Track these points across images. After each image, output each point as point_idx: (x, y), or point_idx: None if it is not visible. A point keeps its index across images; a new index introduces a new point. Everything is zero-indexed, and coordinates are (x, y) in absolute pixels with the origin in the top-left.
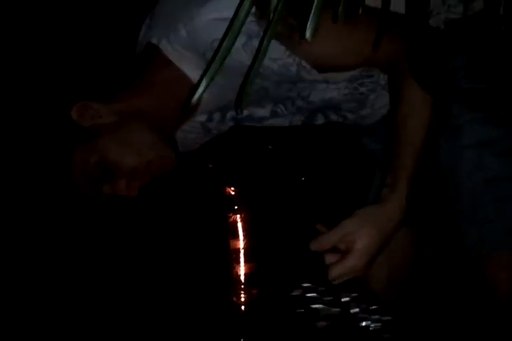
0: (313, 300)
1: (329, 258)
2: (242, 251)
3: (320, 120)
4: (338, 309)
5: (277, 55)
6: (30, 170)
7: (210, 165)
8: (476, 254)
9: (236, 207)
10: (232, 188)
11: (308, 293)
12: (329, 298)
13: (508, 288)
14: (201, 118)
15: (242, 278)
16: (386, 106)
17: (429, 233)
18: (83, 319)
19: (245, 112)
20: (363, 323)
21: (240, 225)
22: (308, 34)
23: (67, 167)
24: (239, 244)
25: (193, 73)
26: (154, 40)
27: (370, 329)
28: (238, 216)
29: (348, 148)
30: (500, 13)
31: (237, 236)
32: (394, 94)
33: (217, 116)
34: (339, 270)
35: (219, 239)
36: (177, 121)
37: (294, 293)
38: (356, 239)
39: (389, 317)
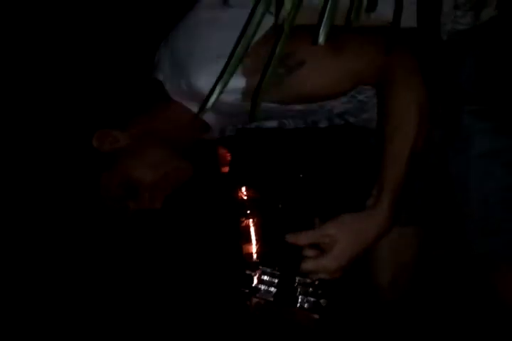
0: (262, 282)
1: (307, 252)
2: (254, 256)
3: (323, 124)
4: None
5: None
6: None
7: (223, 170)
8: (484, 264)
9: (248, 212)
10: (245, 192)
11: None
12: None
13: None
14: (214, 134)
15: (255, 282)
16: None
17: (437, 235)
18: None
19: (255, 124)
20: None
21: (252, 230)
22: (321, 39)
23: (95, 191)
24: (252, 249)
25: (195, 109)
26: (160, 78)
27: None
28: (251, 220)
29: (351, 147)
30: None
31: (249, 241)
32: (381, 106)
33: (228, 128)
34: (312, 265)
35: (231, 243)
36: (189, 137)
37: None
38: (334, 243)
39: (325, 301)
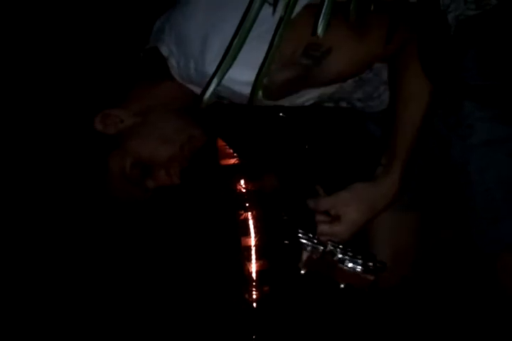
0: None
1: (319, 217)
2: (253, 249)
3: (329, 105)
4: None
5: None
6: (62, 181)
7: (222, 163)
8: (487, 254)
9: (247, 205)
10: (244, 185)
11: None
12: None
13: None
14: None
15: (254, 275)
16: None
17: (438, 221)
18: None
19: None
20: (347, 263)
21: (251, 223)
22: (320, 30)
23: (104, 178)
24: (250, 242)
25: (199, 90)
26: (164, 53)
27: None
28: (249, 213)
29: (353, 127)
30: None
31: (248, 234)
32: (394, 79)
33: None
34: (325, 229)
35: (230, 236)
36: (189, 105)
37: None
38: (346, 212)
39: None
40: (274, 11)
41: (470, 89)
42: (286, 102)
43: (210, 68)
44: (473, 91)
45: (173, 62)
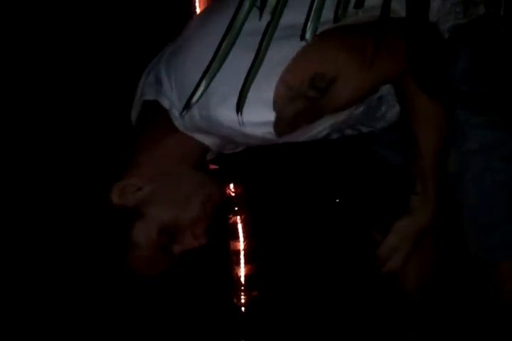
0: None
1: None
2: (242, 253)
3: (335, 136)
4: None
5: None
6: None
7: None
8: (483, 262)
9: (236, 209)
10: (233, 189)
11: None
12: None
13: None
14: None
15: (243, 279)
16: (397, 114)
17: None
18: (83, 320)
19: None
20: None
21: (240, 226)
22: (308, 35)
23: (132, 254)
24: (239, 246)
25: (206, 140)
26: (166, 105)
27: None
28: (238, 217)
29: (371, 162)
30: (500, 14)
31: (237, 238)
32: (406, 102)
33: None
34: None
35: (219, 240)
36: (197, 160)
37: None
38: (396, 254)
39: None
40: (261, 15)
41: (463, 95)
42: (299, 137)
43: (216, 111)
44: (467, 97)
45: (175, 113)
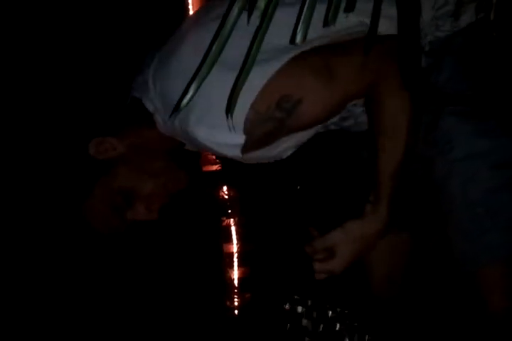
0: (302, 315)
1: (317, 256)
2: (235, 255)
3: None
4: (323, 325)
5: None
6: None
7: (205, 169)
8: (467, 269)
9: (229, 211)
10: (226, 192)
11: (297, 306)
12: (316, 313)
13: (500, 301)
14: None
15: (236, 282)
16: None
17: (422, 239)
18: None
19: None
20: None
21: (233, 229)
22: (298, 38)
23: (88, 202)
24: (232, 248)
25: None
26: (150, 108)
27: None
28: (232, 220)
29: (343, 156)
30: (490, 18)
31: (230, 240)
32: (370, 116)
33: None
34: (321, 267)
35: (212, 243)
36: (177, 150)
37: (285, 307)
38: (339, 251)
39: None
40: (249, 19)
41: (449, 97)
42: (262, 158)
43: (193, 128)
44: (453, 99)
45: (158, 119)
